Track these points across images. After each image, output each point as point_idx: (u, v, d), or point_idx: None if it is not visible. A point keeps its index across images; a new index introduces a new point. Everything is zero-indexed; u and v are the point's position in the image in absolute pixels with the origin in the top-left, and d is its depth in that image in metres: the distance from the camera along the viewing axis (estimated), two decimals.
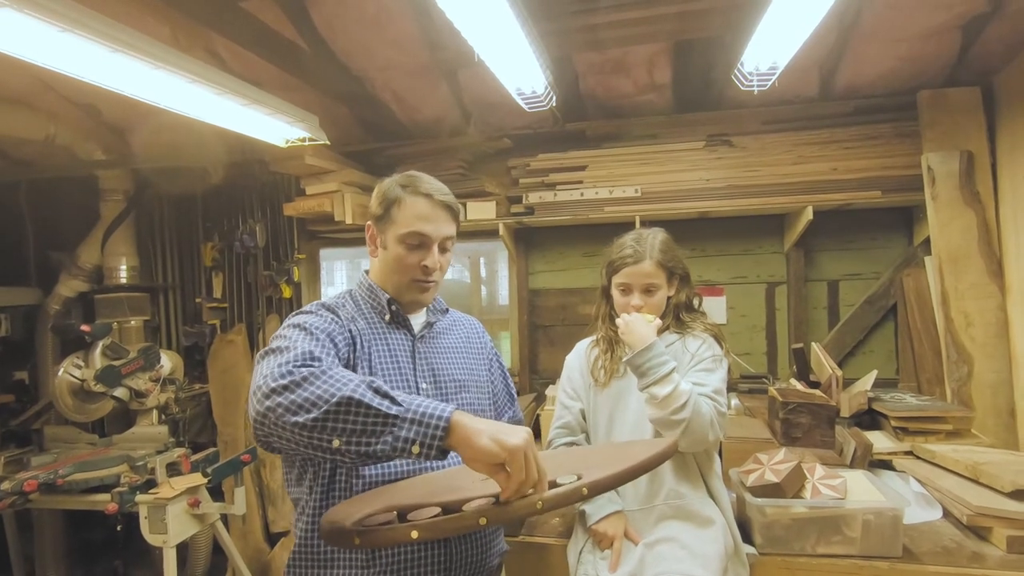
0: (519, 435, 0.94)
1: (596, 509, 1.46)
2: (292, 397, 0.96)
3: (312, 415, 0.94)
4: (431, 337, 1.38)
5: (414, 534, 0.92)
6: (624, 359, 1.46)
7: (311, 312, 1.25)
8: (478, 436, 0.94)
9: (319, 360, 1.04)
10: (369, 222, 1.33)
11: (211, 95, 1.71)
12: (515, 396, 1.58)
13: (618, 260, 1.54)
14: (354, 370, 1.21)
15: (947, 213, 2.41)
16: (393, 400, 0.96)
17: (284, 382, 0.98)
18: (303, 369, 0.99)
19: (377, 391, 0.96)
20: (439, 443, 0.93)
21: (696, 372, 1.47)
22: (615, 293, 1.57)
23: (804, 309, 2.93)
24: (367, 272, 1.38)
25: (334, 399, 0.94)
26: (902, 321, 2.74)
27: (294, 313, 1.26)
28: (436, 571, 1.19)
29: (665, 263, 1.52)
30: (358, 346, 1.24)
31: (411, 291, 1.32)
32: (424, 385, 1.29)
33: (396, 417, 0.94)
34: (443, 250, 1.32)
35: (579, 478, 0.99)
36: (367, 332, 1.27)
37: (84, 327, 2.61)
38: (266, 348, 1.11)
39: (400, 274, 1.30)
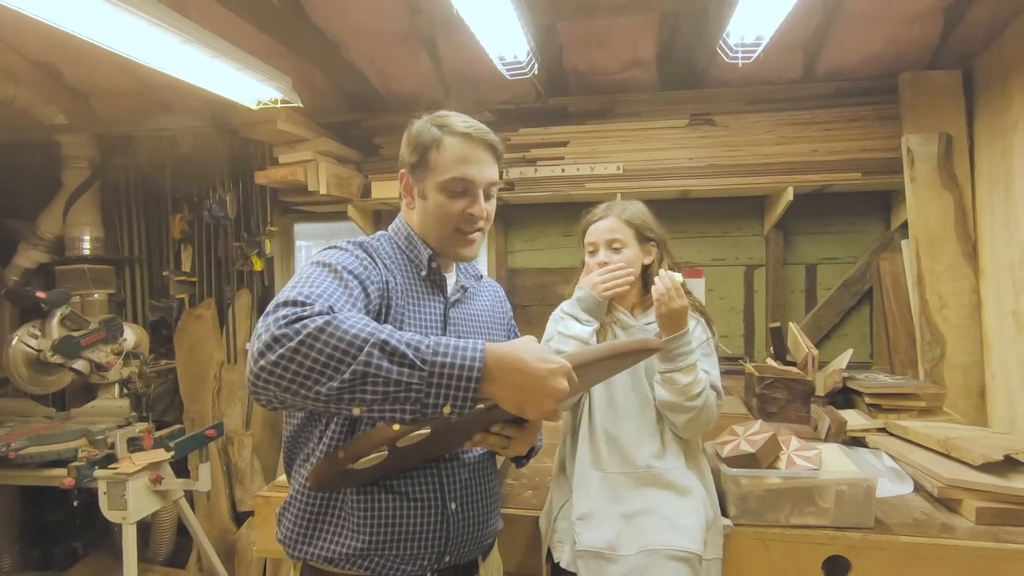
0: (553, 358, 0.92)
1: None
2: (294, 367, 0.85)
3: (320, 388, 0.85)
4: (463, 303, 1.26)
5: (395, 426, 0.93)
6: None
7: (343, 249, 1.09)
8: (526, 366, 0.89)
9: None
10: (403, 171, 1.19)
11: (175, 42, 1.62)
12: None
13: (586, 222, 1.56)
14: None
15: (925, 195, 2.42)
16: (413, 362, 0.86)
17: (285, 344, 0.85)
18: (306, 321, 0.86)
19: (393, 353, 0.86)
20: (473, 395, 0.88)
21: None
22: (586, 257, 1.55)
23: (782, 292, 2.93)
24: (401, 217, 1.25)
25: (347, 372, 0.84)
26: (877, 305, 2.76)
27: (324, 247, 1.12)
28: (433, 546, 1.11)
29: (632, 221, 1.49)
30: (393, 304, 1.10)
31: (455, 243, 1.18)
32: None
33: (416, 384, 0.86)
34: (488, 197, 1.18)
35: None
36: (402, 288, 1.13)
37: (40, 293, 2.50)
38: (284, 296, 0.93)
39: (443, 225, 1.16)
